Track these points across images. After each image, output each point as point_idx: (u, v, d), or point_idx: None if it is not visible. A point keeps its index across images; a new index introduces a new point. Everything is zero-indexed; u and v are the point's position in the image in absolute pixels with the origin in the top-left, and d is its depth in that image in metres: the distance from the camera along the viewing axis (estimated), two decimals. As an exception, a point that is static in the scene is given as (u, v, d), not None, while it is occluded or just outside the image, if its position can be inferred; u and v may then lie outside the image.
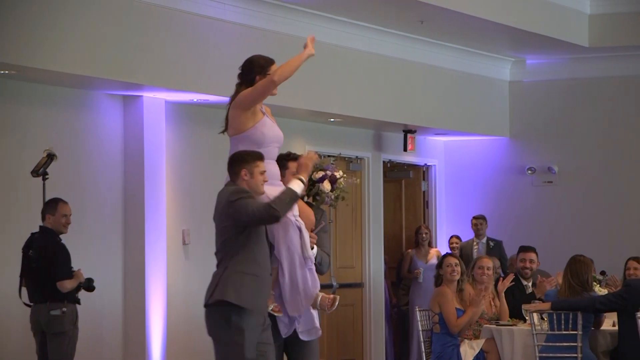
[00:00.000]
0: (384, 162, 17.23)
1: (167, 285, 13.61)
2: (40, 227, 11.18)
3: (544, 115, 17.56)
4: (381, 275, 17.11)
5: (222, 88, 12.97)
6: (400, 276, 16.90)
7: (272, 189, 7.59)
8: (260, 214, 7.38)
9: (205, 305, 7.56)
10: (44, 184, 11.28)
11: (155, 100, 13.58)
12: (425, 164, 18.09)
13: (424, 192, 18.20)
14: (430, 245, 16.69)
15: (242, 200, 7.41)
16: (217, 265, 7.73)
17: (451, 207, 18.51)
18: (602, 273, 13.32)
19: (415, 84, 16.59)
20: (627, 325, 9.99)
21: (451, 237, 16.66)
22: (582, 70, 17.30)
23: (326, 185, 8.22)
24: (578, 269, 10.85)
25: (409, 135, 16.89)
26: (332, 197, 8.22)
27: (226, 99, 13.94)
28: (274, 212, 7.32)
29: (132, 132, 13.75)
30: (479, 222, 16.28)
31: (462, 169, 18.39)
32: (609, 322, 10.83)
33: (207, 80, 13.47)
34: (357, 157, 16.93)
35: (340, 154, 16.57)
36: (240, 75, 7.73)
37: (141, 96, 13.35)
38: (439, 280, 11.26)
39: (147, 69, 12.82)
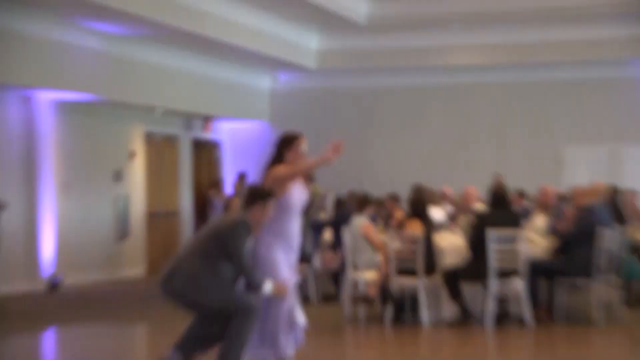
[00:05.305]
0: (192, 138, 20.21)
1: (56, 213, 16.16)
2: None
3: (294, 109, 20.63)
4: (189, 205, 20.18)
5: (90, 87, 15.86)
6: (205, 209, 19.70)
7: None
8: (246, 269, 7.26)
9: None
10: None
11: (44, 99, 15.80)
12: (218, 139, 21.12)
13: (216, 157, 21.24)
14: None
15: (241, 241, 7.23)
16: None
17: (231, 166, 21.16)
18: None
19: (202, 93, 19.24)
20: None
21: (236, 180, 19.54)
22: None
23: None
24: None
25: (207, 120, 20.14)
26: None
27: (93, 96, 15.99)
28: (252, 278, 7.23)
29: (30, 119, 15.79)
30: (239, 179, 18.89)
31: (239, 143, 21.35)
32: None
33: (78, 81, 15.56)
34: (175, 134, 19.95)
35: (167, 133, 19.40)
36: (274, 146, 7.51)
37: (34, 96, 15.57)
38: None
39: (42, 74, 14.78)
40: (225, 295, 7.20)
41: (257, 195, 7.27)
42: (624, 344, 10.16)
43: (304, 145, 7.39)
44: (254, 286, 7.23)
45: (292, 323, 7.40)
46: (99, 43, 16.15)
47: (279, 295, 7.25)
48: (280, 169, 7.30)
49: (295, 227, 7.41)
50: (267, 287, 7.20)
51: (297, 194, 7.42)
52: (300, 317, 7.48)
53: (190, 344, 7.43)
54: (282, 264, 7.33)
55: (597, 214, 11.10)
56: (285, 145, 7.36)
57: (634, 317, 11.68)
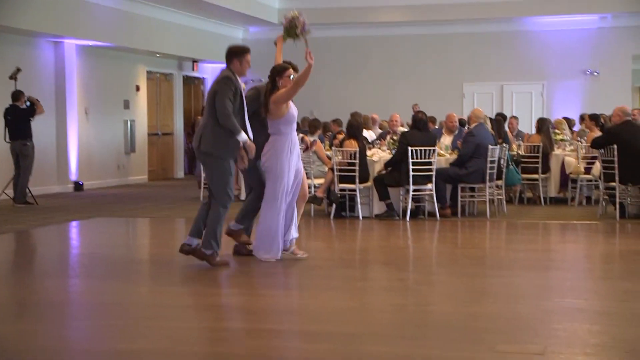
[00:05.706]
0: (183, 75, 20.06)
1: (78, 132, 16.04)
2: (11, 104, 12.71)
3: (261, 54, 18.12)
4: (181, 127, 19.94)
5: (106, 36, 15.65)
6: (193, 130, 18.29)
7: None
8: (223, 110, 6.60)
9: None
10: (15, 84, 12.88)
11: (70, 44, 15.60)
12: (203, 77, 20.86)
13: (202, 90, 20.97)
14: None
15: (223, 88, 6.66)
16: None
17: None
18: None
19: (191, 41, 18.69)
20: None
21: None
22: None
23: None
24: None
25: (194, 62, 20.02)
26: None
27: (108, 44, 15.22)
28: (226, 121, 6.62)
29: (60, 60, 15.56)
30: None
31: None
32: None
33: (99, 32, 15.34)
34: (171, 73, 19.75)
35: (164, 72, 19.10)
36: (269, 77, 7.21)
37: (63, 42, 15.33)
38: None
39: (69, 25, 14.50)
40: (224, 172, 6.81)
41: (232, 53, 6.85)
42: (504, 229, 10.20)
43: (292, 74, 7.15)
44: (231, 131, 6.70)
45: (292, 219, 7.31)
46: (113, 2, 15.81)
47: (249, 150, 6.79)
48: (281, 92, 7.00)
49: (296, 135, 7.19)
50: (242, 137, 6.70)
51: (294, 109, 7.19)
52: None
53: (199, 229, 7.15)
54: (286, 171, 7.06)
55: (477, 135, 10.81)
56: (278, 75, 7.10)
57: (512, 210, 11.79)
